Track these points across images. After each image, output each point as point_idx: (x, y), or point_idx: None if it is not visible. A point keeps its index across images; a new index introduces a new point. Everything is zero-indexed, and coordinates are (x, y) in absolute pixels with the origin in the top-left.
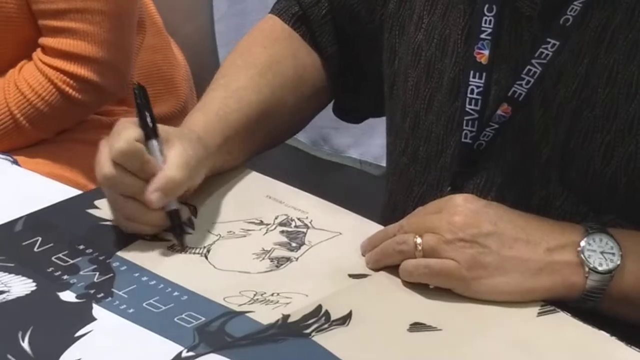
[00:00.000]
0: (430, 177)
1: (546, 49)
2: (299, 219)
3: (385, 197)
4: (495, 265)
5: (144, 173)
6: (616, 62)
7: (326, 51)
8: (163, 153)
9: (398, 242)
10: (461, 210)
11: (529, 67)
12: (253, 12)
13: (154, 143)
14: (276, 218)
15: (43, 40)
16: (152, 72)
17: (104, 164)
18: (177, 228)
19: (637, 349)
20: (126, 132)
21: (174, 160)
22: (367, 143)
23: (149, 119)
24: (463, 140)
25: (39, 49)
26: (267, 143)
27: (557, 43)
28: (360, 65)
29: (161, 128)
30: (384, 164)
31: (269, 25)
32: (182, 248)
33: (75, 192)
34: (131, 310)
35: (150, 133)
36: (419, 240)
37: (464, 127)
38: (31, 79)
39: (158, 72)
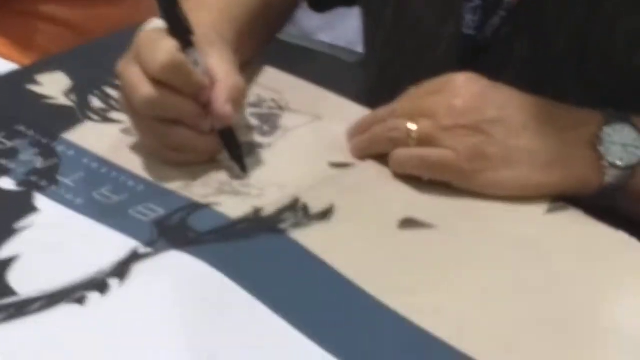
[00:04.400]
0: (420, 73)
1: None
2: (272, 99)
3: (364, 91)
4: (500, 156)
5: (190, 89)
6: None
7: None
8: (200, 62)
9: (389, 128)
10: (463, 92)
11: None
12: None
13: (193, 52)
14: (245, 98)
15: None
16: None
17: (141, 84)
18: (235, 149)
19: None
20: (164, 43)
21: (222, 66)
22: (339, 26)
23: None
24: (464, 31)
25: None
26: (268, 36)
27: None
28: None
29: None
30: (358, 49)
31: None
32: (245, 172)
33: (13, 66)
34: (79, 201)
35: (186, 41)
36: (412, 126)
37: (466, 17)
38: None
39: None
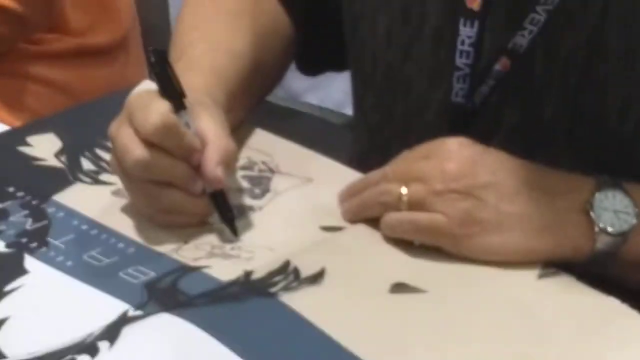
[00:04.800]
0: (410, 138)
1: None
2: (263, 162)
3: (354, 154)
4: (492, 221)
5: (182, 151)
6: (633, 6)
7: None
8: (191, 124)
9: (380, 191)
10: (455, 157)
11: (532, 14)
12: None
13: (185, 114)
14: (236, 161)
15: None
16: None
17: (133, 146)
18: (227, 212)
19: None
20: (156, 105)
21: (213, 129)
22: (327, 87)
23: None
24: (453, 99)
25: None
26: (259, 97)
27: None
28: (322, 8)
29: None
30: (347, 111)
31: None
32: (236, 235)
33: (3, 127)
34: (69, 263)
35: (178, 103)
36: (404, 190)
37: (454, 85)
38: None
39: None
